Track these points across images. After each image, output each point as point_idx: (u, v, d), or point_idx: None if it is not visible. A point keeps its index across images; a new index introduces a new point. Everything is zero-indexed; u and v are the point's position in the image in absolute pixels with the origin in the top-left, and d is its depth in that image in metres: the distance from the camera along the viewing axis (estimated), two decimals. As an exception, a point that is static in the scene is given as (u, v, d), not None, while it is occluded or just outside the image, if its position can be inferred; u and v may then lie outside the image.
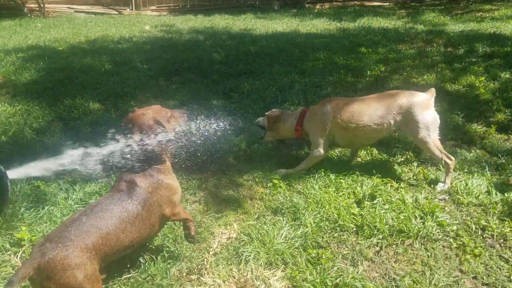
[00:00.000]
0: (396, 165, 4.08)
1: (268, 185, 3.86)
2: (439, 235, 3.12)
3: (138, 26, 12.34)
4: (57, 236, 2.21)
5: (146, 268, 2.74)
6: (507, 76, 6.42)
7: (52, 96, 5.99)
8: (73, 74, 7.00)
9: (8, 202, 1.10)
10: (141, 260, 2.82)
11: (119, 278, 2.71)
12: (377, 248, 3.00)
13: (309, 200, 3.52)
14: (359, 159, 4.22)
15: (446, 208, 3.44)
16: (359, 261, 2.87)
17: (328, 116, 3.87)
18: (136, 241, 2.49)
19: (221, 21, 13.17)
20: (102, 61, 7.83)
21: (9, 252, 2.97)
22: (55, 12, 15.71)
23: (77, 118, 5.22)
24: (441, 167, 4.00)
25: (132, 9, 16.53)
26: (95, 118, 5.19)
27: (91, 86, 6.38)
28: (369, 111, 3.80)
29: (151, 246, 2.95)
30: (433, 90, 3.82)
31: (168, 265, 2.81)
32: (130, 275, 2.74)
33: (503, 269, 2.80)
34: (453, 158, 3.74)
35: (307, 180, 3.85)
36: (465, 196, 3.57)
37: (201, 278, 2.71)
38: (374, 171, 3.95)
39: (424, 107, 3.70)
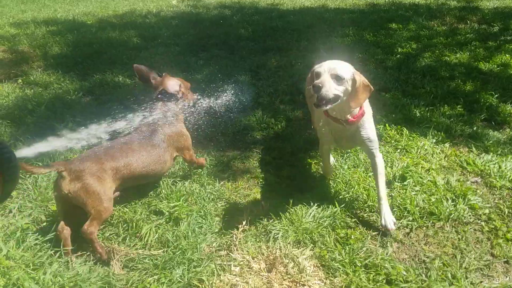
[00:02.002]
0: (428, 145, 4.01)
1: (296, 164, 3.85)
2: (470, 218, 3.08)
3: (165, 0, 12.28)
4: (91, 155, 2.84)
5: (178, 243, 2.79)
6: (545, 55, 6.18)
7: (82, 71, 6.07)
8: (101, 48, 7.06)
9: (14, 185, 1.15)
10: (171, 237, 2.87)
11: (151, 252, 2.78)
12: (407, 230, 2.98)
13: (338, 180, 3.51)
14: (389, 139, 4.15)
15: (478, 191, 3.38)
16: (388, 243, 2.86)
17: None
18: (150, 174, 3.07)
19: (248, -4, 12.99)
20: (130, 35, 7.86)
21: (44, 224, 3.06)
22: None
23: (108, 93, 5.28)
24: (473, 148, 3.93)
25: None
26: (125, 93, 5.24)
27: (120, 61, 6.43)
28: None
29: (182, 222, 2.99)
30: None
31: (198, 240, 2.86)
32: (161, 250, 2.80)
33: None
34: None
35: (335, 160, 3.83)
36: (498, 179, 3.49)
37: (231, 254, 2.75)
38: (404, 151, 3.91)
39: None
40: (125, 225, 2.99)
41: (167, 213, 3.07)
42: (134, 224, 2.97)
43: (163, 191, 3.29)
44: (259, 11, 10.30)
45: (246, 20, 9.28)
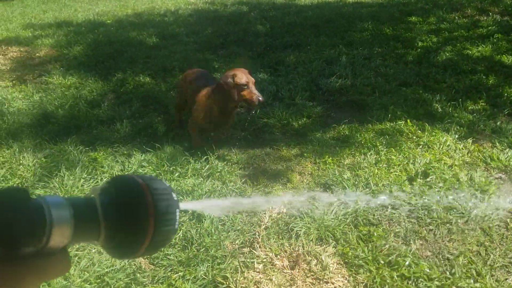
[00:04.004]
0: (450, 141, 3.97)
1: (317, 160, 3.86)
2: (495, 214, 3.05)
3: (182, -2, 12.36)
4: None
5: (201, 241, 2.83)
6: None
7: (103, 70, 6.17)
8: (122, 47, 7.16)
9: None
10: (195, 234, 2.91)
11: (176, 248, 2.83)
12: (431, 227, 2.97)
13: (359, 176, 3.51)
14: (410, 135, 4.12)
15: (502, 187, 3.34)
16: (411, 240, 2.86)
17: None
18: None
19: (265, -9, 12.96)
20: (149, 34, 7.94)
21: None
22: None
23: (130, 92, 5.35)
24: (497, 143, 3.88)
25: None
26: (147, 92, 5.30)
27: (140, 59, 6.51)
28: None
29: (205, 220, 3.03)
30: None
31: (221, 237, 2.90)
32: (185, 248, 2.84)
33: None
34: None
35: (357, 156, 3.82)
36: (523, 175, 3.45)
37: (254, 251, 2.78)
38: (427, 147, 3.88)
39: None
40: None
41: (190, 210, 3.12)
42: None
43: (186, 187, 3.33)
44: (277, 6, 10.28)
45: (264, 16, 9.28)
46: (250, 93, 3.30)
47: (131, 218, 0.88)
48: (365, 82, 5.33)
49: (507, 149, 3.79)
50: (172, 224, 0.98)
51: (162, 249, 1.04)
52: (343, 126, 4.43)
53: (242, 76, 3.33)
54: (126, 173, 3.60)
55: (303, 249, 2.77)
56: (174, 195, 1.01)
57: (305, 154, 3.96)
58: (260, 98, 3.27)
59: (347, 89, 5.23)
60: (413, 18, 8.02)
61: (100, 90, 5.42)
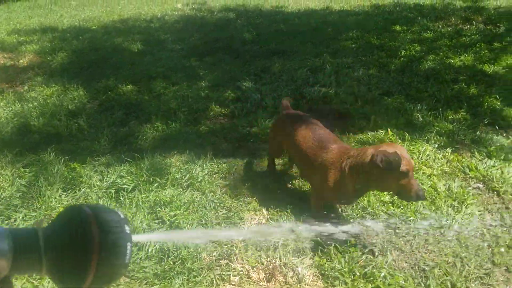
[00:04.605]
0: (430, 150, 3.99)
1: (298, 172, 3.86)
2: (471, 225, 3.07)
3: (170, 4, 12.36)
4: None
5: (178, 253, 2.81)
6: (551, 56, 6.13)
7: (87, 77, 6.14)
8: (106, 54, 7.13)
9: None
10: (172, 246, 2.89)
11: (152, 260, 2.80)
12: (408, 238, 2.98)
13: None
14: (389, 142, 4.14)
15: (480, 197, 3.37)
16: (388, 251, 2.87)
17: None
18: None
19: (253, -2, 13.02)
20: (135, 40, 7.92)
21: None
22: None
23: (112, 99, 5.32)
24: (476, 153, 3.91)
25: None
26: (129, 99, 5.28)
27: (125, 66, 6.49)
28: None
29: (184, 230, 3.02)
30: None
31: (199, 249, 2.88)
32: (162, 260, 2.82)
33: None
34: None
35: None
36: (500, 185, 3.48)
37: (230, 263, 2.77)
38: (406, 157, 3.90)
39: None
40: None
41: (167, 221, 3.10)
42: (134, 233, 2.99)
43: (164, 199, 3.31)
44: (264, 14, 10.32)
45: (251, 23, 9.31)
46: (409, 183, 2.42)
47: (73, 252, 0.85)
48: (348, 91, 5.36)
49: (486, 159, 3.83)
50: (121, 258, 0.95)
51: (116, 281, 0.97)
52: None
53: (406, 160, 2.41)
54: (104, 183, 3.57)
55: (280, 261, 2.77)
56: (127, 227, 0.98)
57: (287, 164, 3.96)
58: (420, 193, 2.42)
59: (330, 97, 5.25)
60: (398, 27, 8.09)
61: (82, 98, 5.39)
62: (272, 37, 8.02)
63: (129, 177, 3.61)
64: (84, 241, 0.84)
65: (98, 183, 3.63)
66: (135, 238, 0.97)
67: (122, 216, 0.96)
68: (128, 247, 0.92)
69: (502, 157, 3.84)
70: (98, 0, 13.67)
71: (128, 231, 0.93)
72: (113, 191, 3.49)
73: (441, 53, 6.61)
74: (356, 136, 4.32)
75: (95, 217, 0.90)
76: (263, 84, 5.77)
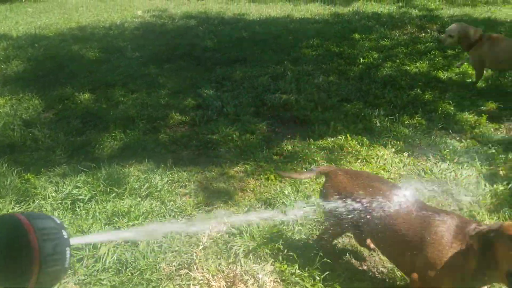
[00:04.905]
0: (387, 155, 4.08)
1: (260, 176, 3.86)
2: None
3: (130, 11, 12.19)
4: None
5: (136, 264, 2.75)
6: (500, 63, 6.41)
7: (43, 85, 5.96)
8: (63, 62, 6.95)
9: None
10: (130, 257, 2.82)
11: (110, 272, 2.72)
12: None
13: (300, 191, 3.53)
14: (350, 149, 4.21)
15: (435, 199, 3.47)
16: (347, 254, 2.90)
17: None
18: None
19: (215, 5, 13.02)
20: (93, 48, 7.76)
21: None
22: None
23: (68, 108, 5.18)
24: (431, 157, 4.03)
25: (124, -7, 16.29)
26: (86, 108, 5.16)
27: (82, 74, 6.34)
28: None
29: (141, 242, 2.95)
30: None
31: (158, 260, 2.82)
32: (120, 272, 2.75)
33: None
34: None
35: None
36: (454, 187, 3.59)
37: (190, 273, 2.73)
38: (365, 161, 3.97)
39: None
40: (81, 244, 2.92)
41: (85, 244, 3.01)
42: (91, 244, 2.91)
43: (122, 209, 3.23)
44: (225, 21, 10.33)
45: (212, 30, 9.30)
46: None
47: (13, 262, 0.84)
48: (308, 97, 5.42)
49: (440, 162, 3.95)
50: (61, 263, 0.94)
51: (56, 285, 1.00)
52: (286, 142, 4.47)
53: None
54: (59, 195, 3.45)
55: (241, 268, 2.75)
56: (64, 232, 0.97)
57: (248, 171, 3.95)
58: None
59: (291, 104, 5.29)
60: (356, 35, 8.27)
61: (37, 107, 5.22)
62: (233, 45, 8.04)
63: (85, 188, 3.51)
64: (23, 251, 0.83)
65: (53, 194, 3.51)
66: (73, 241, 0.97)
67: (58, 221, 0.97)
68: (67, 252, 0.93)
69: (455, 160, 3.97)
70: (55, 7, 13.32)
71: (65, 236, 0.93)
72: (69, 202, 3.38)
73: (397, 61, 6.80)
74: (316, 142, 4.36)
75: (32, 226, 0.88)
76: (224, 91, 5.76)
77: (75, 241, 1.10)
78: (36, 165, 3.93)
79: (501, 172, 3.79)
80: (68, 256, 0.93)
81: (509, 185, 3.54)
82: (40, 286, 0.88)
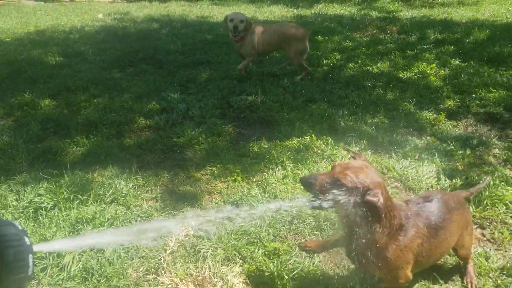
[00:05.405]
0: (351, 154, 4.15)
1: (227, 178, 3.85)
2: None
3: (90, 14, 11.96)
4: None
5: (102, 271, 2.69)
6: (457, 62, 6.67)
7: (0, 92, 5.75)
8: (21, 67, 6.73)
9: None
10: (96, 264, 2.77)
11: (75, 280, 2.66)
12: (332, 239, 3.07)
13: (267, 192, 3.55)
14: (315, 149, 4.27)
15: (398, 195, 3.56)
16: (315, 253, 2.93)
17: None
18: None
19: (177, 8, 12.96)
20: (52, 52, 7.56)
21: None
22: (3, 0, 14.98)
23: (28, 115, 5.02)
24: (393, 154, 4.13)
25: (84, -4, 16.00)
26: (46, 114, 5.01)
27: (41, 80, 6.16)
28: None
29: (107, 248, 2.89)
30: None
31: (124, 266, 2.78)
32: (85, 280, 2.69)
33: (451, 254, 2.93)
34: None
35: (265, 172, 3.87)
36: (416, 183, 3.69)
37: (158, 278, 2.70)
38: (330, 160, 4.03)
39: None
40: (45, 253, 2.84)
41: (49, 251, 2.94)
42: (55, 253, 2.83)
43: (86, 216, 3.16)
44: (189, 24, 10.29)
45: (175, 33, 9.24)
46: None
47: None
48: (274, 99, 5.46)
49: (402, 159, 4.05)
50: (24, 271, 0.92)
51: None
52: (252, 143, 4.48)
53: None
54: (20, 203, 3.34)
55: (210, 271, 2.74)
56: (27, 239, 0.95)
57: (215, 173, 3.94)
58: None
59: (257, 106, 5.32)
60: (319, 37, 8.39)
61: (-6, 113, 5.04)
62: (197, 47, 8.01)
63: (48, 195, 3.41)
64: None
65: (14, 203, 3.39)
66: (36, 248, 0.96)
67: (20, 228, 0.94)
68: (30, 259, 0.91)
69: (416, 157, 4.09)
70: (12, 10, 12.90)
71: (28, 243, 0.91)
72: (30, 210, 3.27)
73: (360, 61, 6.95)
74: (282, 142, 4.39)
75: None
76: (189, 94, 5.73)
77: (38, 247, 1.08)
78: (-5, 174, 3.79)
79: (459, 167, 3.94)
80: (31, 263, 0.91)
81: (467, 180, 3.68)
82: None
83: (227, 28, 6.14)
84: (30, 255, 0.90)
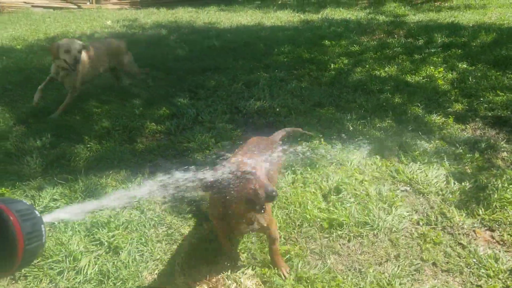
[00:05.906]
0: (360, 158, 4.19)
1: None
2: (401, 225, 3.26)
3: (99, 21, 12.09)
4: None
5: (118, 274, 2.75)
6: (464, 66, 6.68)
7: (12, 99, 5.86)
8: (32, 74, 6.83)
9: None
10: (112, 267, 2.83)
11: (92, 283, 2.72)
12: (344, 242, 3.11)
13: (278, 196, 3.60)
14: (324, 153, 4.31)
15: (407, 199, 3.59)
16: (326, 255, 2.97)
17: None
18: None
19: (185, 14, 13.07)
20: (63, 59, 7.65)
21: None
22: (11, 7, 15.17)
23: (41, 121, 5.11)
24: (403, 158, 4.16)
25: (92, 3, 16.14)
26: (59, 120, 5.10)
27: (53, 86, 6.24)
28: None
29: (122, 251, 2.95)
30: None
31: (140, 269, 2.84)
32: (102, 283, 2.75)
33: (461, 256, 2.96)
34: None
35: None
36: (425, 186, 3.72)
37: (173, 280, 2.75)
38: (339, 164, 4.07)
39: None
40: (61, 257, 2.90)
41: (106, 243, 3.02)
42: (72, 256, 2.90)
43: (101, 220, 3.23)
44: (196, 30, 10.38)
45: (183, 39, 9.33)
46: None
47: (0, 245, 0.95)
48: (282, 103, 5.51)
49: (411, 163, 4.08)
50: (40, 239, 1.08)
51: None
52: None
53: None
54: (36, 208, 3.41)
55: (223, 273, 2.79)
56: (36, 212, 1.11)
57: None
58: None
59: (265, 110, 5.37)
60: (326, 42, 8.45)
61: (8, 120, 5.13)
62: (205, 53, 8.09)
63: (63, 200, 3.49)
64: (8, 232, 0.95)
65: (29, 208, 3.46)
66: (45, 219, 1.14)
67: (28, 202, 1.13)
68: (43, 228, 1.08)
69: (425, 161, 4.12)
70: (21, 18, 13.07)
71: (39, 215, 1.08)
72: (46, 215, 3.34)
73: (367, 66, 6.98)
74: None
75: (9, 210, 1.01)
76: (198, 100, 5.79)
77: (46, 218, 1.31)
78: (10, 179, 3.86)
79: (468, 171, 3.96)
80: (44, 232, 1.08)
81: (476, 183, 3.70)
82: (24, 262, 1.00)
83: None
84: (42, 225, 1.07)
